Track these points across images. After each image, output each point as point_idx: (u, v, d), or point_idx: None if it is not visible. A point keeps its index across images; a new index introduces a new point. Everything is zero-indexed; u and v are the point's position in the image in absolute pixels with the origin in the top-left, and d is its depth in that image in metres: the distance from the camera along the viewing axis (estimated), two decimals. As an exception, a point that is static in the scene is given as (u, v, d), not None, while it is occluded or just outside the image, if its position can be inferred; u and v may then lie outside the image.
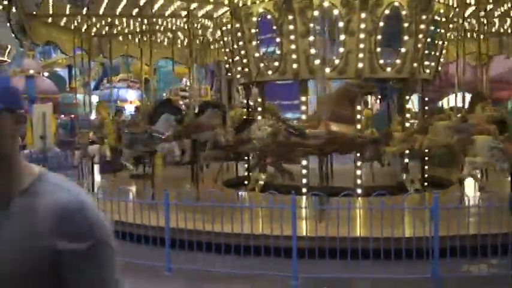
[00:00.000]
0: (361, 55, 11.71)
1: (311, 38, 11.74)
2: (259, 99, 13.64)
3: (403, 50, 12.16)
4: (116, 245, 1.61)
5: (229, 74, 15.45)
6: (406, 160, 12.42)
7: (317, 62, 11.50)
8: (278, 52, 12.29)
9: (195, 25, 15.47)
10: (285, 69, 12.29)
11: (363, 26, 11.63)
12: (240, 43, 13.21)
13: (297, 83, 12.53)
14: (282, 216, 7.63)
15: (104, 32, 16.50)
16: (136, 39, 17.08)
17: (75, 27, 15.20)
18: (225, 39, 14.23)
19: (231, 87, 25.66)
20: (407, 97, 12.89)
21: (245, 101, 14.84)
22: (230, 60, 14.36)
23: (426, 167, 12.93)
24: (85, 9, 12.97)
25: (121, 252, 5.80)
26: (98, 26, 15.97)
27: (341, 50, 11.78)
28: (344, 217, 7.68)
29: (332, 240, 7.58)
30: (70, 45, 15.52)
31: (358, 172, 11.78)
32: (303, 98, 12.41)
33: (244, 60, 13.10)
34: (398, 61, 12.18)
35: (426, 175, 12.86)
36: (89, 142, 13.16)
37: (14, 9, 11.95)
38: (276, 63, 12.40)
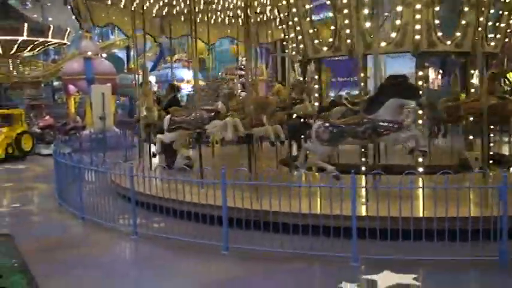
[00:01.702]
0: (417, 27, 11.28)
1: (365, 11, 11.38)
2: (316, 76, 13.40)
3: (463, 22, 11.67)
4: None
5: (286, 52, 15.14)
6: (471, 137, 11.93)
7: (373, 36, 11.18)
8: (332, 28, 11.95)
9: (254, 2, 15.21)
10: (340, 45, 11.96)
11: None
12: (295, 19, 12.97)
13: (352, 59, 12.23)
14: (342, 196, 7.41)
15: (164, 13, 16.44)
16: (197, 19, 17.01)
17: (135, 9, 15.14)
18: (281, 16, 14.00)
19: (286, 65, 25.38)
20: (472, 72, 12.35)
21: (301, 79, 14.52)
22: (287, 37, 14.10)
23: (491, 144, 12.41)
24: None
25: (179, 231, 5.74)
26: (157, 6, 15.91)
27: (398, 22, 11.38)
28: (406, 196, 7.40)
29: (394, 220, 7.33)
30: (129, 26, 15.43)
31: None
32: (362, 74, 12.05)
33: (299, 37, 12.83)
34: (458, 34, 11.70)
35: (491, 153, 12.33)
36: (209, 117, 10.85)
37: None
38: (331, 39, 12.08)
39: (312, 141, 9.69)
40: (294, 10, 12.94)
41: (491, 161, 12.00)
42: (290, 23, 13.44)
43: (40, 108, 28.63)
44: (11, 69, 40.35)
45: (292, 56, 14.11)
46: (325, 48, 12.58)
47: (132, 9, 15.10)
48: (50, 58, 52.29)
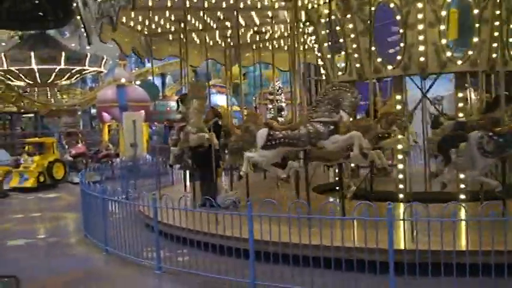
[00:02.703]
0: (494, 45, 10.86)
1: (442, 28, 10.86)
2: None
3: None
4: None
5: (323, 73, 14.20)
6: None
7: (448, 54, 10.81)
8: (401, 45, 11.29)
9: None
10: (410, 63, 11.28)
11: (497, 13, 10.71)
12: (352, 36, 12.12)
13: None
14: (377, 227, 6.83)
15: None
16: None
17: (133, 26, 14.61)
18: (322, 32, 13.21)
19: (319, 87, 24.89)
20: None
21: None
22: (328, 56, 13.21)
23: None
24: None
25: (204, 266, 5.09)
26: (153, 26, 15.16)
27: (475, 39, 10.90)
28: (448, 227, 6.78)
29: (435, 254, 6.71)
30: (124, 44, 14.79)
31: (462, 175, 10.69)
32: (398, 97, 11.50)
33: (355, 55, 12.10)
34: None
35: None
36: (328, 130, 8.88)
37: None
38: (399, 57, 11.42)
39: (471, 154, 8.77)
40: (351, 26, 12.07)
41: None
42: (341, 40, 12.54)
43: (76, 136, 28.70)
44: (49, 97, 41.00)
45: (341, 77, 13.02)
46: (389, 67, 11.68)
47: (132, 25, 14.65)
48: (87, 86, 53.09)
